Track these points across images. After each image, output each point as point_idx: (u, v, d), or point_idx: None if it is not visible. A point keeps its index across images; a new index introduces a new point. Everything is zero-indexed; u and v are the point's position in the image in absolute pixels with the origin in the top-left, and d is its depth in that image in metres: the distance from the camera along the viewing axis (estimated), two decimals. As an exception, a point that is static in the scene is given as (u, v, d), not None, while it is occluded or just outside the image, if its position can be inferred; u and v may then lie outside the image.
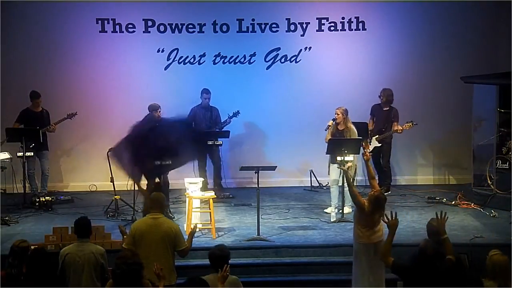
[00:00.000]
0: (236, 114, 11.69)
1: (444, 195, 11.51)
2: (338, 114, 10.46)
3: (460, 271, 6.56)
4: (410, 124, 11.58)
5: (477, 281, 6.15)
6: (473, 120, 12.00)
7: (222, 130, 11.62)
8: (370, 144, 11.69)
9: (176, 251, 7.13)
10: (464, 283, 6.19)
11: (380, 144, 11.77)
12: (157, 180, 9.60)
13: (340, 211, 10.35)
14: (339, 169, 9.82)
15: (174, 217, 10.22)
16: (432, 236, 6.82)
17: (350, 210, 10.24)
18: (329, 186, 10.78)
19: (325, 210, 10.66)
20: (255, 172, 9.44)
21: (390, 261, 6.54)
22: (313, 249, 9.26)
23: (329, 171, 10.59)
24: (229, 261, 6.35)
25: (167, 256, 7.04)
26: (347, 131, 10.45)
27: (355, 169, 10.45)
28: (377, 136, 11.74)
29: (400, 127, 11.57)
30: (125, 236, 7.30)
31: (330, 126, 10.57)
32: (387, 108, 11.81)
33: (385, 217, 6.77)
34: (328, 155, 10.43)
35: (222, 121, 11.68)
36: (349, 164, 9.90)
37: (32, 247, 7.18)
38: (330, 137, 10.42)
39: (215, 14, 12.23)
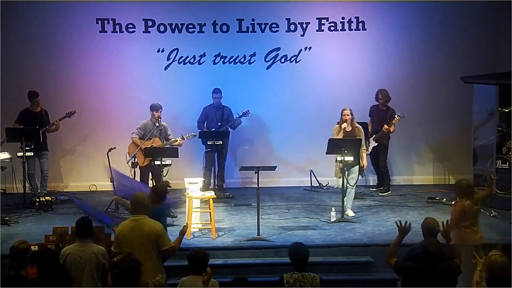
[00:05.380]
0: (245, 113, 11.74)
1: (444, 195, 11.50)
2: (348, 115, 10.35)
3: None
4: (398, 117, 11.57)
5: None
6: (473, 120, 12.00)
7: (227, 130, 11.68)
8: (369, 146, 11.70)
9: (160, 251, 7.00)
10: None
11: (377, 144, 11.76)
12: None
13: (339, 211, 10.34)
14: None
15: (176, 217, 10.21)
16: (427, 236, 6.86)
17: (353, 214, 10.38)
18: (339, 188, 10.48)
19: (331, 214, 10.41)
20: (255, 172, 9.42)
21: (393, 261, 6.57)
22: (313, 249, 9.22)
23: (338, 174, 10.35)
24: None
25: (151, 258, 6.90)
26: (356, 131, 10.42)
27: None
28: (374, 136, 11.75)
29: (390, 124, 11.58)
30: None
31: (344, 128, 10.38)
32: (384, 108, 11.81)
33: (398, 223, 6.82)
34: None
35: (232, 120, 11.74)
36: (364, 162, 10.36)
37: (32, 247, 7.16)
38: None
39: (215, 14, 12.23)
